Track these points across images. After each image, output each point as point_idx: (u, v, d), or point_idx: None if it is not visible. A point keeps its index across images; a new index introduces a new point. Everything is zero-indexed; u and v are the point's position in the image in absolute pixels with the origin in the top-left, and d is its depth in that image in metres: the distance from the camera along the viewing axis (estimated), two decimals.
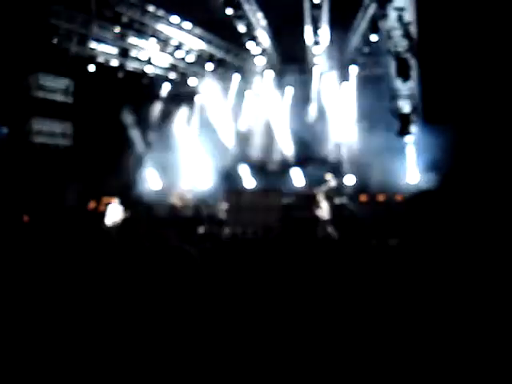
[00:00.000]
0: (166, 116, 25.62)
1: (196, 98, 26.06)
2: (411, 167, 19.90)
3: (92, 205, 21.27)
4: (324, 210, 17.98)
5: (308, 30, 19.55)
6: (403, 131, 17.60)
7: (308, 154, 22.55)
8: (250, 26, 19.47)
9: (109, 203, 20.56)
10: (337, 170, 21.41)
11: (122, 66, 21.84)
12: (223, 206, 20.55)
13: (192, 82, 25.65)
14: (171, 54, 22.23)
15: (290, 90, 23.79)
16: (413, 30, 16.88)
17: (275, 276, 5.54)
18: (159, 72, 24.42)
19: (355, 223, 18.33)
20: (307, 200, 20.53)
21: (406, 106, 17.71)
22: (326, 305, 4.75)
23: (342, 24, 20.58)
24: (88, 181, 20.56)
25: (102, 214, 20.27)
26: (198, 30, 21.51)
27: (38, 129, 20.59)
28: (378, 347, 3.76)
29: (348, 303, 4.68)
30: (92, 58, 20.56)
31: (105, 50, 21.17)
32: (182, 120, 25.77)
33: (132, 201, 21.89)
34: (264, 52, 22.04)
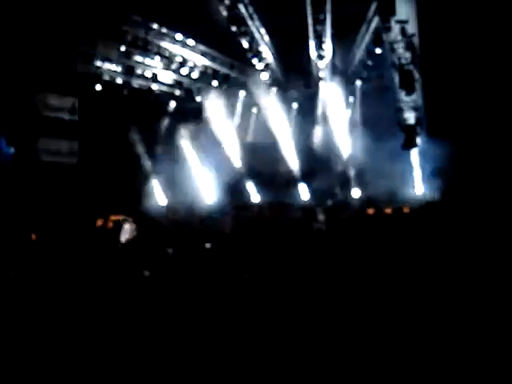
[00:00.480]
0: (172, 132, 25.70)
1: (202, 114, 26.16)
2: (417, 178, 19.90)
3: (100, 222, 21.30)
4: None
5: (312, 44, 19.63)
6: (409, 143, 17.60)
7: (314, 168, 22.55)
8: (253, 41, 19.58)
9: (117, 221, 20.63)
10: (344, 183, 21.45)
11: (127, 84, 21.96)
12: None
13: (197, 98, 25.77)
14: (176, 70, 22.38)
15: (295, 105, 23.87)
16: (416, 42, 16.95)
17: (280, 288, 5.56)
18: (164, 89, 24.58)
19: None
20: (313, 214, 20.58)
21: (410, 118, 17.72)
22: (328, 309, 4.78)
23: (345, 38, 20.70)
24: (95, 198, 20.60)
25: (111, 232, 20.34)
26: (201, 47, 21.66)
27: (44, 147, 20.71)
28: (378, 345, 3.77)
29: (352, 309, 4.70)
30: (98, 77, 20.66)
31: (110, 68, 21.31)
32: (187, 136, 25.84)
33: (140, 217, 21.95)
34: (268, 67, 22.14)
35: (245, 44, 19.48)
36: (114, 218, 20.99)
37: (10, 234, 16.67)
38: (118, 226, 19.96)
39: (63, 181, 21.16)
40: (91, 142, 21.84)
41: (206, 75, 23.32)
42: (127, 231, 19.00)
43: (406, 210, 19.01)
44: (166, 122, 26.37)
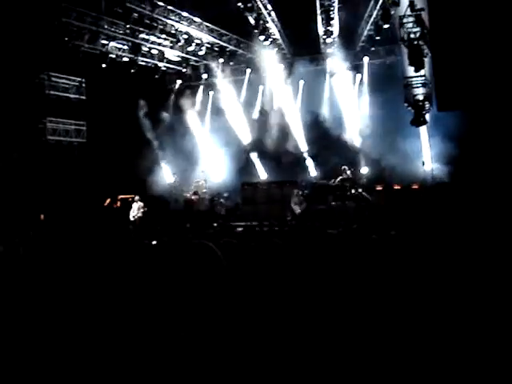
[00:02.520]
0: (180, 110, 25.62)
1: (209, 91, 26.07)
2: (426, 155, 19.78)
3: (108, 201, 21.38)
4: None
5: (319, 20, 19.38)
6: (418, 120, 17.42)
7: (322, 146, 22.46)
8: (260, 18, 19.33)
9: (125, 200, 20.71)
10: (352, 160, 21.36)
11: (134, 62, 21.82)
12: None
13: (204, 75, 25.66)
14: (182, 48, 22.22)
15: (302, 81, 23.67)
16: (424, 16, 16.69)
17: (291, 271, 5.50)
18: (171, 66, 24.46)
19: (371, 212, 18.33)
20: (323, 191, 20.58)
21: (419, 94, 17.53)
22: (333, 299, 4.72)
23: (353, 13, 20.42)
24: (103, 177, 20.65)
25: (120, 211, 20.43)
26: (208, 24, 21.46)
27: (52, 127, 20.72)
28: (380, 343, 3.73)
29: (357, 299, 4.64)
30: (104, 55, 20.54)
31: (116, 47, 21.19)
32: (195, 113, 25.76)
33: (148, 196, 22.00)
34: (275, 44, 21.93)
35: (251, 20, 19.22)
36: (122, 197, 21.06)
37: (18, 214, 16.75)
38: (126, 205, 20.10)
39: (71, 160, 21.20)
40: (98, 121, 21.84)
41: (213, 52, 23.13)
42: (135, 209, 19.21)
43: (415, 186, 18.95)
44: (173, 99, 26.30)
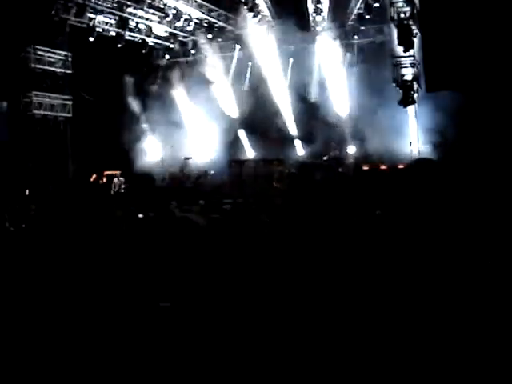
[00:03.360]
0: (167, 85, 25.43)
1: (196, 67, 25.86)
2: (413, 135, 19.82)
3: (93, 177, 21.29)
4: None
5: None
6: (406, 100, 17.45)
7: (310, 124, 22.44)
8: None
9: (111, 175, 20.63)
10: (340, 139, 21.40)
11: (121, 36, 21.57)
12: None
13: (192, 51, 25.45)
14: (170, 23, 22.00)
15: (291, 60, 23.53)
16: None
17: (280, 250, 5.54)
18: (159, 41, 24.23)
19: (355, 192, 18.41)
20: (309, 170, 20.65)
21: (408, 75, 17.53)
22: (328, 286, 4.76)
23: None
24: (89, 153, 20.51)
25: (104, 186, 20.37)
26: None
27: (37, 101, 20.49)
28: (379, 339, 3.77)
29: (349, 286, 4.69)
30: (90, 29, 20.27)
31: (103, 21, 20.93)
32: (182, 89, 25.59)
33: (133, 172, 21.93)
34: (264, 21, 21.76)
35: None
36: (108, 172, 20.98)
37: (3, 189, 16.63)
38: (110, 181, 20.09)
39: (56, 135, 21.02)
40: (84, 95, 21.64)
41: (201, 28, 22.91)
42: (116, 185, 19.20)
43: (401, 166, 19.02)
44: (160, 75, 26.09)
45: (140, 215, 10.99)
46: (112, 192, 19.08)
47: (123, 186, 19.17)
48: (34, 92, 20.26)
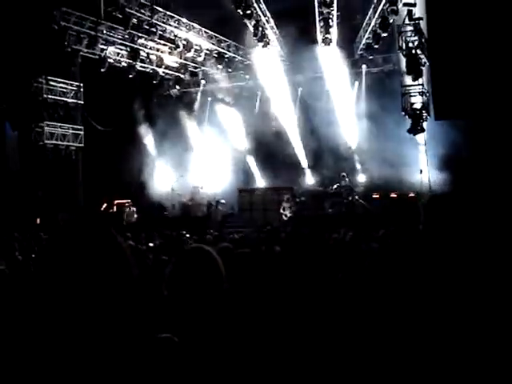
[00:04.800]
0: (178, 115, 25.64)
1: (207, 97, 26.11)
2: (423, 164, 19.80)
3: (104, 206, 21.38)
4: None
5: (318, 28, 19.43)
6: (415, 128, 17.48)
7: (320, 153, 22.50)
8: (259, 25, 19.36)
9: (121, 205, 20.70)
10: (349, 167, 21.42)
11: (132, 67, 21.85)
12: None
13: (202, 81, 25.73)
14: (181, 54, 22.26)
15: (300, 89, 23.72)
16: (423, 26, 16.76)
17: (288, 278, 5.49)
18: (170, 72, 24.50)
19: (369, 220, 18.31)
20: (319, 199, 20.64)
21: (417, 103, 17.59)
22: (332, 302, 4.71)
23: (352, 21, 20.52)
24: (101, 183, 20.61)
25: (115, 215, 20.40)
26: (207, 30, 21.54)
27: (49, 131, 20.70)
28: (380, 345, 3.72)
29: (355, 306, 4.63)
30: (102, 60, 20.55)
31: (115, 52, 21.24)
32: (193, 119, 25.79)
33: (145, 201, 21.99)
34: (274, 51, 21.97)
35: (250, 27, 19.26)
36: (118, 202, 21.05)
37: (14, 218, 16.69)
38: (120, 210, 20.11)
39: (68, 165, 21.17)
40: (95, 125, 21.85)
41: (211, 58, 23.15)
42: (127, 214, 19.20)
43: (411, 195, 18.98)
44: (171, 104, 26.31)
45: (150, 244, 10.94)
46: (124, 222, 19.09)
47: (135, 216, 19.19)
48: (45, 122, 20.48)
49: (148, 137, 24.71)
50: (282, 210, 19.61)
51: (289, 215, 19.42)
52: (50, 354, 1.73)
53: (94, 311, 1.65)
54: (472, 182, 15.89)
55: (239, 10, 18.05)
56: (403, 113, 17.74)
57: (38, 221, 18.26)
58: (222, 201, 22.18)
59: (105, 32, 19.71)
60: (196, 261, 3.04)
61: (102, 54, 20.51)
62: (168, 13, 19.71)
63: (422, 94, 17.59)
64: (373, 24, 19.42)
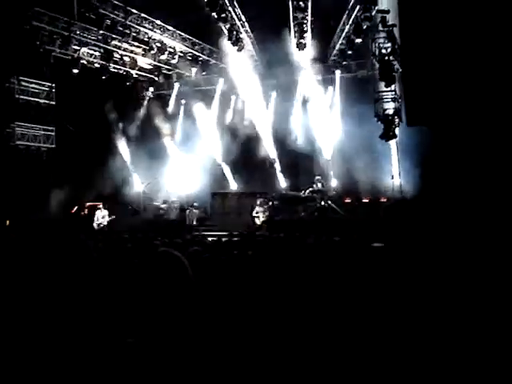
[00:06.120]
0: (151, 118, 25.50)
1: (181, 100, 26.01)
2: (395, 169, 20.00)
3: (75, 209, 21.14)
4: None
5: (292, 32, 19.50)
6: (387, 134, 17.64)
7: (293, 157, 22.59)
8: (233, 28, 19.35)
9: (93, 207, 20.48)
10: (322, 172, 21.52)
11: (105, 68, 21.71)
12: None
13: (176, 83, 25.66)
14: (155, 56, 22.17)
15: (274, 93, 23.80)
16: (396, 32, 16.93)
17: (265, 281, 5.50)
18: (143, 74, 24.37)
19: (340, 225, 18.42)
20: (292, 202, 20.72)
21: (389, 109, 17.76)
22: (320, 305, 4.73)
23: (326, 26, 20.64)
24: (72, 185, 20.38)
25: (86, 219, 20.18)
26: (181, 33, 21.47)
27: (21, 132, 20.44)
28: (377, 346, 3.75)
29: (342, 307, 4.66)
30: (75, 61, 20.36)
31: (88, 53, 21.05)
32: (166, 122, 25.67)
33: (117, 204, 21.79)
34: (248, 55, 22.00)
35: (225, 31, 19.24)
36: (89, 204, 20.84)
37: None
38: (92, 212, 19.88)
39: (39, 166, 20.93)
40: (67, 126, 21.64)
41: (185, 61, 23.08)
42: (99, 217, 18.95)
43: (383, 200, 19.19)
44: (144, 107, 26.16)
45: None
46: (95, 225, 18.83)
47: (107, 219, 18.95)
48: (17, 123, 20.23)
49: (121, 139, 24.53)
50: (254, 214, 19.59)
51: (262, 219, 19.40)
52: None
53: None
54: (440, 186, 16.12)
55: (214, 14, 18.03)
56: (376, 118, 17.89)
57: (8, 222, 17.99)
58: (195, 204, 22.11)
59: (78, 33, 19.53)
60: (164, 264, 3.05)
61: (75, 55, 20.33)
62: (142, 15, 19.61)
63: (394, 100, 17.76)
64: (346, 29, 19.59)
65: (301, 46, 19.74)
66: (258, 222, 19.42)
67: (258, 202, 19.85)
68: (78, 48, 20.25)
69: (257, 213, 19.57)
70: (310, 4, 17.95)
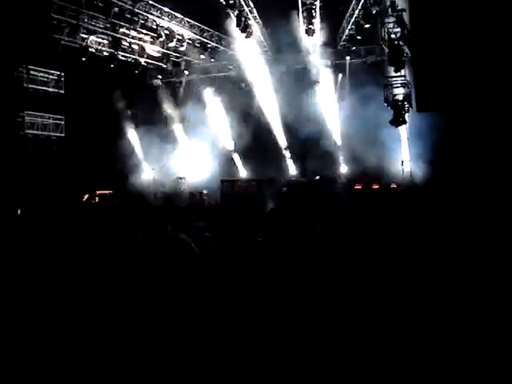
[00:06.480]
0: (160, 105, 25.50)
1: (190, 87, 25.97)
2: (404, 154, 19.94)
3: (85, 197, 21.23)
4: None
5: (301, 18, 19.38)
6: (397, 120, 17.55)
7: (303, 143, 22.54)
8: (242, 15, 19.25)
9: (103, 195, 20.59)
10: (332, 158, 21.49)
11: (114, 56, 21.65)
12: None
13: (185, 71, 25.59)
14: (163, 43, 22.08)
15: (283, 79, 23.68)
16: (406, 17, 16.80)
17: (273, 269, 5.52)
18: (152, 62, 24.31)
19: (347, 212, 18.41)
20: (302, 189, 20.69)
21: (399, 95, 17.66)
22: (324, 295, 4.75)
23: (335, 12, 20.48)
24: (81, 172, 20.46)
25: (96, 206, 20.29)
26: (189, 20, 21.38)
27: (30, 121, 20.47)
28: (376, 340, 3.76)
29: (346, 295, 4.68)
30: (83, 49, 20.34)
31: (96, 41, 21.01)
32: (176, 109, 25.66)
33: (127, 191, 21.88)
34: (257, 41, 21.90)
35: (233, 17, 19.15)
36: (100, 192, 20.93)
37: None
38: (103, 200, 19.99)
39: (49, 154, 20.98)
40: (77, 115, 21.66)
41: (194, 48, 22.99)
42: (109, 205, 19.06)
43: (393, 186, 19.11)
44: (153, 94, 26.13)
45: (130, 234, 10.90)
46: (106, 212, 18.92)
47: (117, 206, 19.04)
48: (26, 112, 20.25)
49: (130, 127, 24.56)
50: (264, 201, 19.58)
51: (271, 206, 19.39)
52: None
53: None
54: (451, 173, 16.05)
55: (222, 0, 17.95)
56: (385, 104, 17.80)
57: (19, 212, 18.08)
58: (205, 191, 22.15)
59: (86, 21, 19.47)
60: (173, 246, 3.13)
61: (84, 43, 20.29)
62: (150, 2, 19.52)
63: (404, 85, 17.66)
64: (356, 14, 19.44)
65: (310, 32, 19.63)
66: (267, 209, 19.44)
67: (268, 189, 19.84)
68: (86, 36, 20.21)
69: (266, 200, 19.55)
70: None
